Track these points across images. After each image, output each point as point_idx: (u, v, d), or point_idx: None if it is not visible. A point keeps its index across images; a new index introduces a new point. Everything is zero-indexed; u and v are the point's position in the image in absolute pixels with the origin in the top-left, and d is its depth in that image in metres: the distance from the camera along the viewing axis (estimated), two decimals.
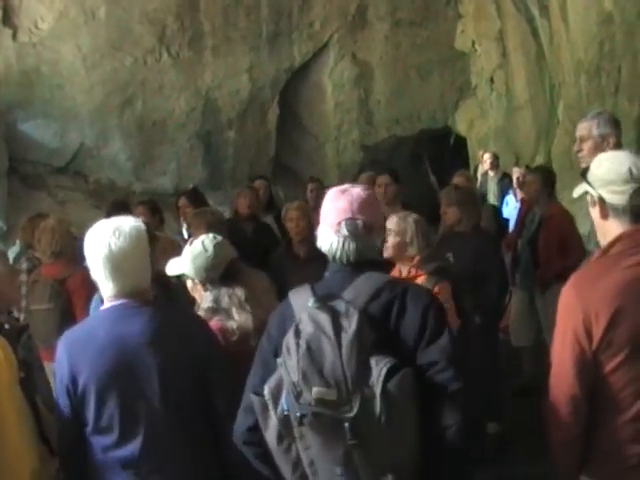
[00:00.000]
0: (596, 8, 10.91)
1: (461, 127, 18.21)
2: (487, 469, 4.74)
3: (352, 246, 2.87)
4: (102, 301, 3.87)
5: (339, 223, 2.88)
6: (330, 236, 2.91)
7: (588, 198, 3.01)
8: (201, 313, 3.82)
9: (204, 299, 3.87)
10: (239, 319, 3.75)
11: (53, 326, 4.39)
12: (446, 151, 18.73)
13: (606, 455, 2.86)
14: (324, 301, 2.74)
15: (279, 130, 18.12)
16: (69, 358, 3.15)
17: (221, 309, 3.80)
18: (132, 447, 3.12)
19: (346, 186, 2.99)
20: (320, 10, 17.63)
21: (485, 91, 17.42)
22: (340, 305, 2.72)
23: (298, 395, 2.61)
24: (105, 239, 3.09)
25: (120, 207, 8.31)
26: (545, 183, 7.65)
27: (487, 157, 13.31)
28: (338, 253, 2.89)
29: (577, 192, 3.11)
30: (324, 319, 2.66)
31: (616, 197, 2.87)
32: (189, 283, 4.01)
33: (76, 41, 16.40)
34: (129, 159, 17.08)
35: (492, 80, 17.12)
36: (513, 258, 7.89)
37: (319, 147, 18.51)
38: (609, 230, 2.92)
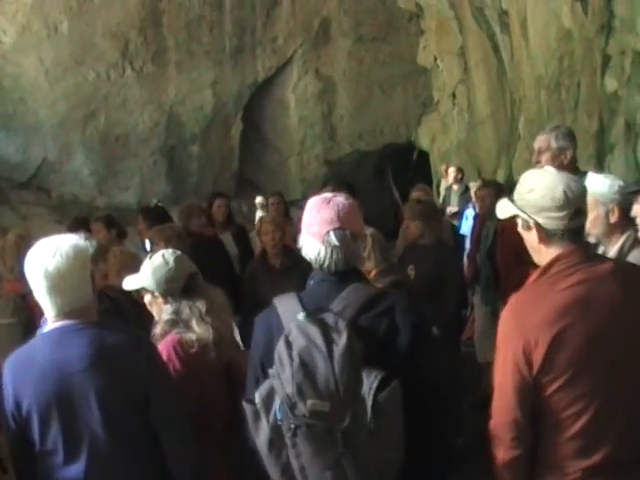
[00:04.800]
0: (556, 25, 11.07)
1: (424, 142, 18.35)
2: None
3: (340, 255, 2.90)
4: None
5: (327, 233, 2.90)
6: (316, 245, 2.92)
7: (518, 221, 2.97)
8: (160, 326, 3.83)
9: (164, 311, 3.87)
10: (199, 331, 3.76)
11: (16, 341, 4.36)
12: (409, 165, 18.83)
13: (551, 470, 2.87)
14: (314, 314, 2.79)
15: (243, 145, 18.18)
16: (13, 382, 3.15)
17: (181, 321, 3.80)
18: (77, 469, 3.10)
19: (329, 195, 3.01)
20: (283, 26, 17.73)
21: (447, 106, 17.56)
22: (329, 318, 2.78)
23: (292, 407, 2.66)
24: (42, 258, 3.09)
25: (81, 223, 8.26)
26: (498, 197, 7.72)
27: (451, 171, 13.38)
28: (326, 262, 2.91)
29: (504, 213, 3.03)
30: (315, 332, 2.71)
31: (553, 222, 2.84)
32: (147, 297, 4.00)
33: (39, 55, 16.38)
34: (92, 174, 17.05)
35: (454, 95, 17.28)
36: (474, 273, 7.96)
37: (282, 162, 18.58)
38: (547, 252, 2.90)
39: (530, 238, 2.94)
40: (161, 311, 3.92)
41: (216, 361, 3.79)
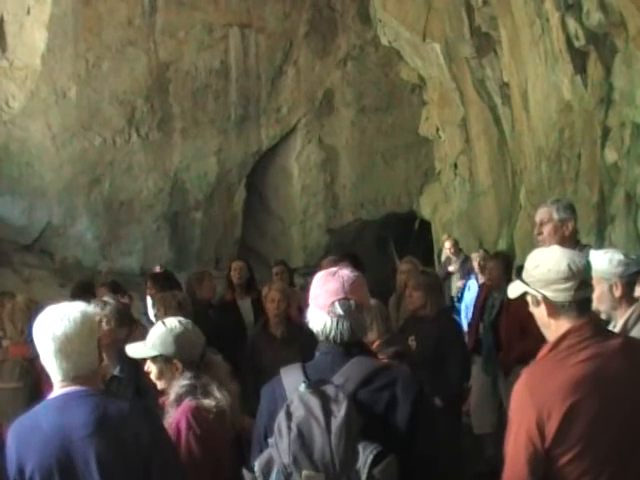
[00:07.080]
0: (556, 97, 11.20)
1: (425, 211, 18.40)
2: None
3: (346, 325, 2.94)
4: None
5: (332, 303, 2.95)
6: (322, 317, 2.97)
7: (528, 298, 3.09)
8: (174, 392, 3.81)
9: (181, 378, 3.85)
10: (219, 397, 3.78)
11: (21, 405, 4.35)
12: (411, 235, 18.85)
13: None
14: (315, 386, 2.82)
15: (245, 212, 18.27)
16: (16, 448, 3.14)
17: (200, 387, 3.81)
18: None
19: (334, 269, 3.07)
20: (288, 95, 17.94)
21: (449, 176, 17.64)
22: (330, 390, 2.81)
23: (288, 476, 2.70)
24: (51, 322, 3.13)
25: (85, 288, 8.30)
26: (506, 269, 7.80)
27: (448, 245, 13.33)
28: (332, 333, 2.95)
29: (514, 293, 3.17)
30: (314, 403, 2.75)
31: (560, 295, 2.95)
32: (158, 366, 3.99)
33: (46, 120, 16.56)
34: (96, 238, 17.11)
35: (456, 165, 17.35)
36: (475, 343, 7.95)
37: (285, 230, 18.64)
38: (557, 326, 2.98)
39: (540, 314, 3.05)
40: (173, 379, 3.92)
41: (230, 427, 3.81)
